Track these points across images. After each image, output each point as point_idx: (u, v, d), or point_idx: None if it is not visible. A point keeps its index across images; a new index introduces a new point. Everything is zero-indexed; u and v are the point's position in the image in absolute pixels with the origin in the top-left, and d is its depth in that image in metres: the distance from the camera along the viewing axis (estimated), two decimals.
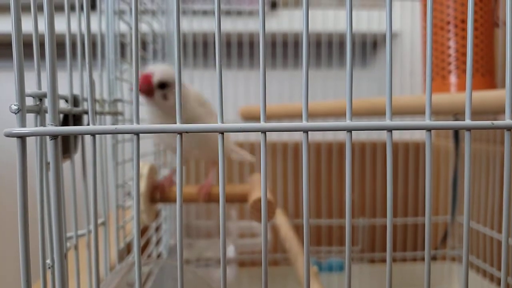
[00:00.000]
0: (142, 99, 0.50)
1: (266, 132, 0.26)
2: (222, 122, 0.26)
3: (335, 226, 0.99)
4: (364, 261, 0.99)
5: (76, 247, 0.39)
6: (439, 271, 0.97)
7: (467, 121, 0.26)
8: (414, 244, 1.01)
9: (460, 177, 0.89)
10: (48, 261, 0.32)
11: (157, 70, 0.48)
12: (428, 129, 0.26)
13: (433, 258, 0.97)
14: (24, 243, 0.25)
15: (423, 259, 1.09)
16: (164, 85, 0.48)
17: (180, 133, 0.26)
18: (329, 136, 0.98)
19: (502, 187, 0.26)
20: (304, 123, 0.25)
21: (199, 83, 0.95)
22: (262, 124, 0.26)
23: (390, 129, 0.26)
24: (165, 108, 0.49)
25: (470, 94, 0.26)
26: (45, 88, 0.26)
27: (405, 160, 1.01)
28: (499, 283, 0.81)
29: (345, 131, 0.26)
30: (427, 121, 0.26)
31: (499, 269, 0.80)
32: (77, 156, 0.40)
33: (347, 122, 0.25)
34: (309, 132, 0.26)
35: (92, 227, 0.28)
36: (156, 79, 0.48)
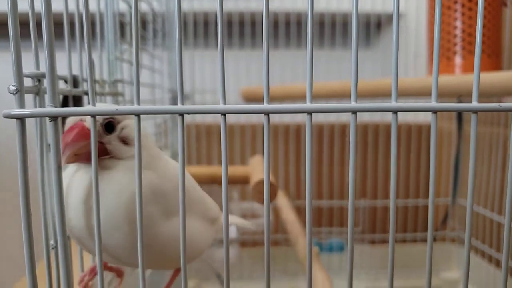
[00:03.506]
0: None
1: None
2: (225, 103, 0.26)
3: (336, 208, 0.99)
4: (364, 242, 1.00)
5: None
6: (438, 252, 0.98)
7: (474, 103, 0.26)
8: (415, 226, 1.02)
9: (462, 159, 0.89)
10: (52, 242, 0.32)
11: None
12: (434, 111, 0.26)
13: (433, 239, 0.97)
14: (26, 225, 0.25)
15: (423, 240, 1.10)
16: (112, 126, 0.31)
17: (182, 114, 0.25)
18: (332, 118, 0.97)
19: (504, 169, 0.26)
20: (308, 105, 0.25)
21: (200, 63, 0.94)
22: (265, 105, 0.25)
23: (395, 111, 0.25)
24: (130, 160, 0.31)
25: (478, 76, 0.25)
26: (44, 68, 0.25)
27: (407, 142, 1.00)
28: (498, 265, 0.82)
29: (350, 113, 0.26)
30: (433, 103, 0.26)
31: (498, 250, 0.81)
32: None
33: (352, 104, 0.25)
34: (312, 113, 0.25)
35: (94, 207, 0.28)
36: (96, 120, 0.27)
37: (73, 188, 0.31)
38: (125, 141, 0.32)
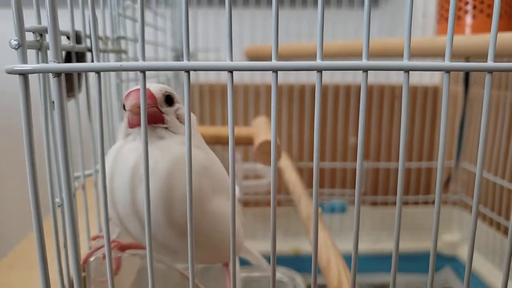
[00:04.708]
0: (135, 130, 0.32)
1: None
2: (232, 60, 0.25)
3: (338, 169, 1.00)
4: (366, 204, 1.01)
5: (83, 187, 0.39)
6: (440, 215, 0.99)
7: (490, 63, 0.25)
8: (417, 188, 1.02)
9: (468, 122, 0.88)
10: (57, 199, 0.32)
11: (153, 85, 0.33)
12: (448, 71, 0.25)
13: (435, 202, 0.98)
14: (32, 183, 0.25)
15: (424, 202, 1.10)
16: (171, 100, 0.33)
17: (188, 71, 0.25)
18: (336, 78, 0.96)
19: (509, 133, 0.26)
20: (318, 62, 0.24)
21: (203, 22, 0.91)
22: (273, 62, 0.24)
23: (408, 70, 0.25)
24: (181, 138, 0.32)
25: (496, 34, 0.24)
26: (45, 23, 0.24)
27: (412, 104, 0.99)
28: (499, 228, 0.83)
29: (358, 72, 0.25)
30: (447, 62, 0.25)
31: (500, 214, 0.82)
32: (82, 96, 0.39)
33: (364, 62, 0.24)
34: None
35: (99, 166, 0.28)
36: (158, 92, 0.32)
37: (121, 159, 0.31)
38: (179, 119, 0.33)
